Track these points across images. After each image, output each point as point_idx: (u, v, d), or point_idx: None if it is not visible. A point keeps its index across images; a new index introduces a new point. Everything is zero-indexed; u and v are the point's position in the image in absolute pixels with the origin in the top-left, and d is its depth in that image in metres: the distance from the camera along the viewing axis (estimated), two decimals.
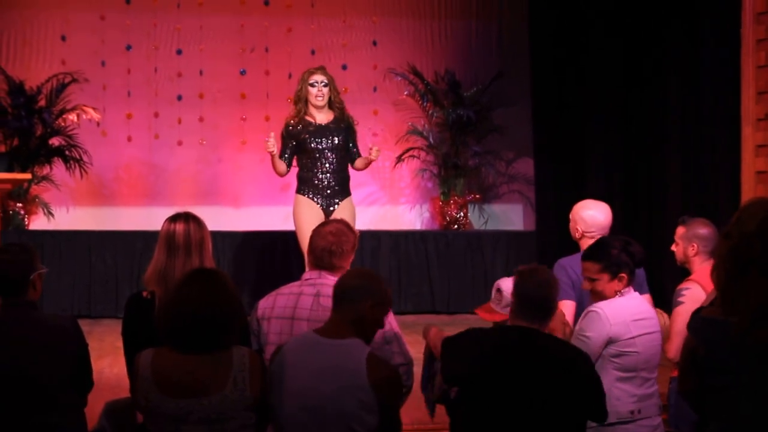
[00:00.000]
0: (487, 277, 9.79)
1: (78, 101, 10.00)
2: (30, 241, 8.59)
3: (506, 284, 4.36)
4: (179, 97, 10.43)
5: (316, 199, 7.39)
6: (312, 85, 7.40)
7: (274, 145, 7.27)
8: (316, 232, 4.54)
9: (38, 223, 9.95)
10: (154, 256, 4.36)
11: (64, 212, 10.17)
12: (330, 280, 4.39)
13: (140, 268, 9.01)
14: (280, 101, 10.50)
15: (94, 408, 4.40)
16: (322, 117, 7.46)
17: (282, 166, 7.47)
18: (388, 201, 10.82)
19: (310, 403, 3.66)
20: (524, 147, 10.52)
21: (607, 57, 9.58)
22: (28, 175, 8.05)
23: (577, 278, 5.07)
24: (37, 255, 4.23)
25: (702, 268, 5.00)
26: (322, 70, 7.52)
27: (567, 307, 5.06)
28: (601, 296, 4.53)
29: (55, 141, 9.96)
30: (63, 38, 10.27)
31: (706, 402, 3.26)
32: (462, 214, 10.46)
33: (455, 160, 10.45)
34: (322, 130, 7.41)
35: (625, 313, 4.41)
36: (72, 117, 9.95)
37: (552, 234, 9.64)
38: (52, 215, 10.01)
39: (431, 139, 10.54)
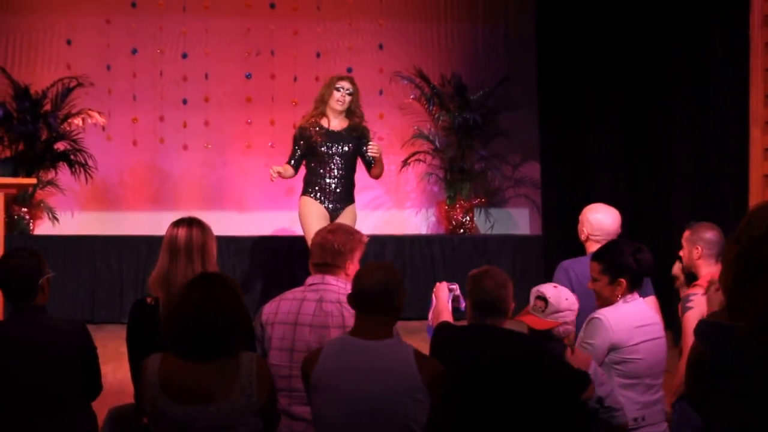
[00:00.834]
0: None
1: (83, 105, 10.00)
2: (35, 245, 8.58)
3: (550, 291, 4.29)
4: (184, 101, 10.43)
5: (322, 202, 7.56)
6: (337, 90, 7.58)
7: (276, 174, 7.50)
8: (317, 233, 4.59)
9: (43, 227, 9.95)
10: (158, 260, 4.35)
11: (69, 217, 10.16)
12: (333, 285, 4.42)
13: (145, 273, 9.00)
14: (285, 105, 10.50)
15: (98, 414, 4.38)
16: (337, 123, 7.61)
17: (289, 170, 7.62)
18: (393, 205, 10.80)
19: (362, 407, 3.67)
20: (530, 151, 10.49)
21: (613, 61, 9.56)
22: (33, 180, 8.04)
23: (577, 281, 5.08)
24: (44, 259, 4.22)
25: (708, 272, 4.98)
26: (350, 79, 7.71)
27: None
28: (603, 300, 4.52)
29: (60, 145, 9.96)
30: (68, 42, 10.27)
31: (712, 407, 3.24)
32: (468, 218, 10.44)
33: (461, 163, 10.43)
34: (333, 136, 7.56)
35: (628, 319, 4.39)
36: (77, 121, 9.95)
37: (558, 238, 9.63)
38: (57, 220, 10.00)
39: (437, 143, 10.51)
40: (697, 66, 8.86)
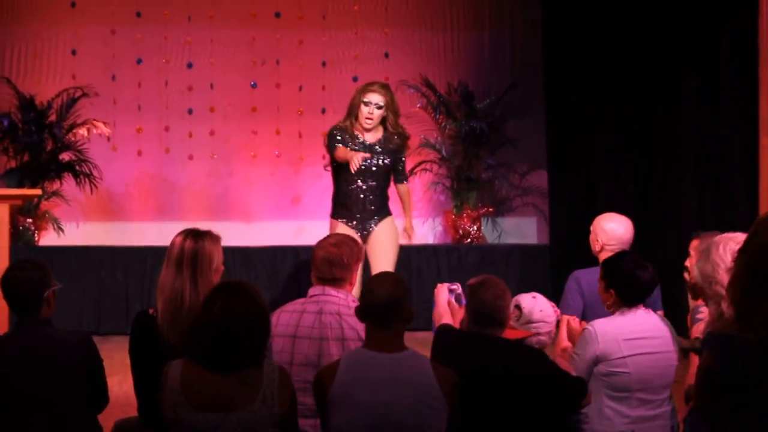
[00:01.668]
0: None
1: (88, 115, 10.00)
2: (40, 257, 8.56)
3: (526, 301, 4.46)
4: (190, 111, 10.42)
5: (350, 223, 6.93)
6: (365, 104, 6.88)
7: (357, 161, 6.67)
8: (318, 245, 4.56)
9: (48, 238, 9.94)
10: None
11: (74, 227, 10.15)
12: (333, 297, 4.43)
13: (151, 284, 8.98)
14: (291, 114, 10.50)
15: (105, 426, 4.36)
16: (370, 135, 6.95)
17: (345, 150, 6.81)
18: (399, 214, 10.75)
19: (384, 420, 3.68)
20: (538, 159, 10.47)
21: (621, 69, 9.54)
22: (38, 191, 8.05)
23: (588, 290, 5.07)
24: (51, 271, 4.20)
25: None
26: (381, 88, 6.96)
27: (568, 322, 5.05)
28: (605, 307, 4.51)
29: (65, 156, 9.95)
30: (73, 52, 10.26)
31: (722, 419, 3.21)
32: (475, 227, 10.41)
33: (468, 172, 10.40)
34: (368, 149, 6.90)
35: (618, 331, 4.34)
36: (82, 131, 9.95)
37: (566, 247, 9.60)
38: (63, 231, 9.99)
39: (444, 152, 10.49)
40: (706, 74, 8.83)
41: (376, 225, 6.96)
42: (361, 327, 4.27)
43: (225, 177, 10.52)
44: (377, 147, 6.90)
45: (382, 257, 6.90)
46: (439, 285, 4.99)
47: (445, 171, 10.55)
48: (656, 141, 9.39)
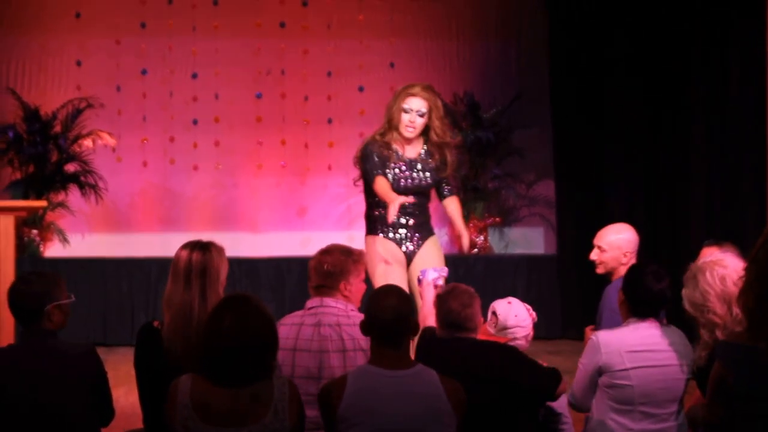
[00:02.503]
0: None
1: (93, 126, 10.00)
2: (45, 268, 8.54)
3: (501, 307, 4.59)
4: (195, 122, 10.41)
5: (393, 238, 6.04)
6: (405, 111, 5.95)
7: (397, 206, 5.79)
8: (314, 255, 4.54)
9: (54, 250, 9.93)
10: None
11: (80, 239, 10.15)
12: (331, 308, 4.41)
13: (156, 296, 8.97)
14: (296, 124, 10.49)
15: None
16: (411, 149, 6.05)
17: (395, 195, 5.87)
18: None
19: None
20: (545, 169, 10.44)
21: (628, 77, 9.53)
22: (43, 202, 8.03)
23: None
24: (59, 285, 4.15)
25: None
26: (423, 91, 5.99)
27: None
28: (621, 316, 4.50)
29: (70, 167, 9.96)
30: (78, 63, 10.27)
31: (735, 431, 3.18)
32: (482, 237, 10.38)
33: (475, 182, 10.37)
34: (410, 166, 6.03)
35: (622, 343, 4.30)
36: (87, 142, 9.95)
37: (574, 257, 9.56)
38: (68, 242, 9.99)
39: None
40: (714, 84, 8.84)
41: (418, 248, 6.08)
42: (361, 338, 4.26)
43: (230, 188, 10.51)
44: (418, 163, 6.04)
45: None
46: (421, 274, 5.18)
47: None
48: (664, 150, 9.38)
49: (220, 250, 4.35)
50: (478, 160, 10.34)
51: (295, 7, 10.54)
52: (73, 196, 9.96)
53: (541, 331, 9.71)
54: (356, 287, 4.50)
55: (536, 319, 4.73)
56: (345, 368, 4.24)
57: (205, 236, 4.55)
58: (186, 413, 3.52)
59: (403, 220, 5.99)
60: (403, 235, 6.03)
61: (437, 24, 10.76)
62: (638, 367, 4.25)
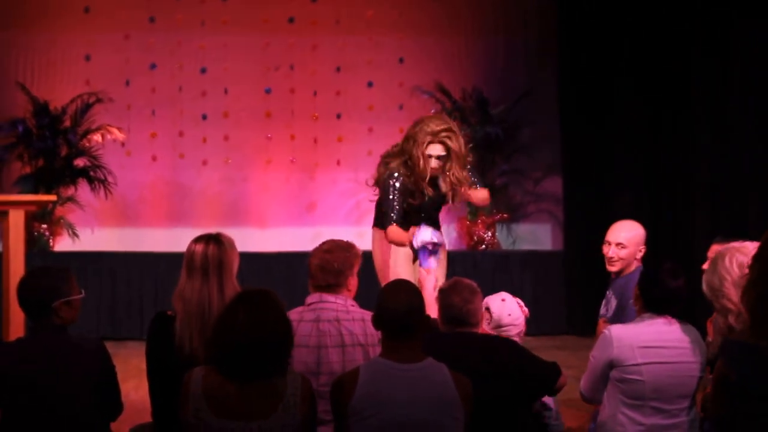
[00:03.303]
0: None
1: (102, 121, 10.01)
2: (54, 262, 8.57)
3: (495, 305, 4.62)
4: (204, 116, 10.42)
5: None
6: (427, 157, 5.90)
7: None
8: (313, 252, 4.55)
9: (63, 244, 9.95)
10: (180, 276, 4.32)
11: (89, 233, 10.15)
12: (331, 303, 4.42)
13: (164, 290, 8.97)
14: (305, 119, 10.49)
15: (119, 431, 4.33)
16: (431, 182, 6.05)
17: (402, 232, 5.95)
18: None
19: (412, 431, 3.69)
20: (552, 165, 10.44)
21: (636, 75, 9.52)
22: (53, 197, 8.06)
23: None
24: (69, 281, 4.15)
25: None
26: (446, 133, 5.90)
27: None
28: (636, 311, 4.51)
29: (79, 162, 9.96)
30: (87, 58, 10.28)
31: (738, 429, 3.18)
32: (490, 233, 10.37)
33: (482, 179, 10.35)
34: (431, 200, 6.07)
35: (634, 338, 4.31)
36: (96, 137, 9.96)
37: (580, 253, 9.57)
38: (77, 236, 10.00)
39: None
40: (717, 84, 8.83)
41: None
42: (360, 333, 4.32)
43: (239, 182, 10.51)
44: (435, 196, 6.06)
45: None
46: (422, 230, 5.41)
47: None
48: (670, 147, 9.37)
49: (231, 241, 4.38)
50: (486, 156, 10.33)
51: (304, 3, 10.55)
52: (82, 190, 9.97)
53: (546, 327, 9.77)
54: (354, 281, 4.52)
55: (528, 315, 4.73)
56: (344, 363, 4.27)
57: (214, 231, 4.54)
58: (198, 405, 3.54)
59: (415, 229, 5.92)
60: (412, 230, 5.92)
61: (446, 20, 10.74)
62: (650, 362, 4.26)
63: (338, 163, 10.50)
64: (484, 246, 10.31)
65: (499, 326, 4.59)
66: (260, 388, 3.54)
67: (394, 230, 5.92)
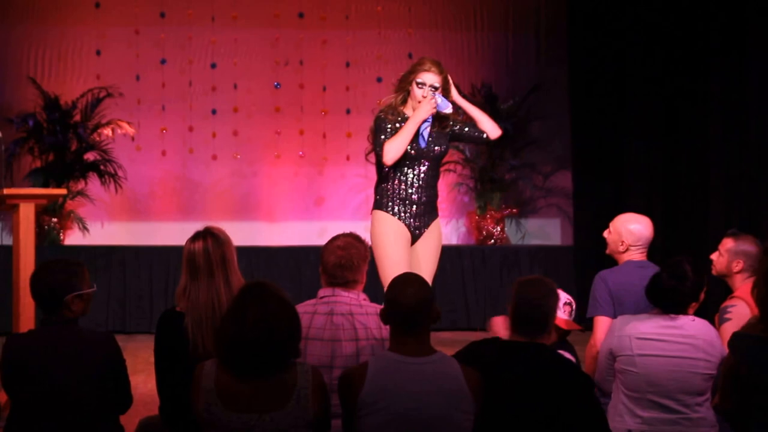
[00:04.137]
0: None
1: (113, 116, 10.03)
2: (65, 256, 8.58)
3: (569, 297, 4.66)
4: (213, 111, 10.44)
5: (402, 217, 5.91)
6: (419, 86, 5.88)
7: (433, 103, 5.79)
8: (326, 248, 4.49)
9: (73, 238, 9.98)
10: (181, 276, 4.31)
11: (99, 227, 10.18)
12: (344, 297, 4.40)
13: (174, 284, 8.97)
14: (314, 114, 10.49)
15: (128, 425, 4.35)
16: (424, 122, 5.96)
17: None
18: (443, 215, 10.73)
19: (418, 424, 3.68)
20: (562, 160, 10.43)
21: (647, 68, 9.48)
22: (63, 191, 8.06)
23: (616, 290, 5.04)
24: (81, 275, 4.18)
25: (745, 285, 4.91)
26: (434, 66, 5.93)
27: (601, 323, 5.03)
28: None
29: (90, 156, 9.99)
30: (98, 53, 10.30)
31: (748, 422, 3.18)
32: (499, 228, 10.37)
33: (492, 173, 10.37)
34: (417, 136, 5.90)
35: (634, 330, 4.32)
36: (107, 131, 9.98)
37: (590, 249, 9.54)
38: (87, 230, 10.03)
39: (467, 153, 10.46)
40: (733, 73, 8.78)
41: (426, 227, 5.99)
42: (374, 327, 4.30)
43: (249, 177, 10.53)
44: (433, 130, 5.93)
45: (426, 266, 6.04)
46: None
47: (468, 172, 10.52)
48: (682, 141, 9.33)
49: (226, 234, 4.36)
50: (495, 151, 10.33)
51: None
52: (92, 184, 10.00)
53: None
54: (365, 275, 4.51)
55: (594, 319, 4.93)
56: (357, 357, 4.26)
57: (222, 225, 4.54)
58: (209, 398, 3.55)
59: (415, 196, 5.88)
60: (412, 213, 5.90)
61: (455, 15, 10.74)
62: (644, 354, 4.27)
63: (347, 158, 10.51)
64: (493, 241, 10.31)
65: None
66: (272, 381, 3.55)
67: (390, 141, 5.79)
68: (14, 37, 10.18)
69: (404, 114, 5.90)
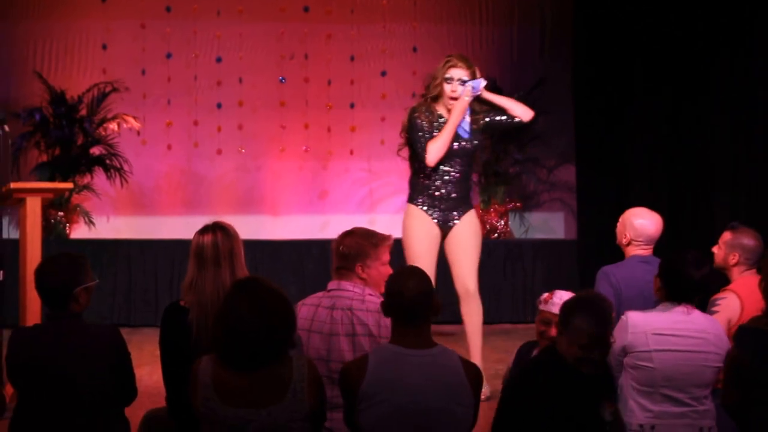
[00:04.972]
0: (527, 287, 9.72)
1: (118, 110, 10.05)
2: (71, 250, 8.61)
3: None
4: (219, 105, 10.45)
5: (431, 213, 6.25)
6: (447, 81, 6.18)
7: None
8: (337, 238, 4.55)
9: (79, 231, 10.01)
10: (188, 268, 4.34)
11: (105, 221, 10.21)
12: (348, 291, 4.41)
13: (179, 277, 8.99)
14: (319, 109, 10.51)
15: (133, 417, 4.38)
16: None
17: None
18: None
19: (418, 417, 3.70)
20: (566, 154, 10.43)
21: (652, 64, 9.46)
22: (69, 185, 8.10)
23: (618, 286, 5.05)
24: (86, 268, 4.20)
25: (742, 278, 4.93)
26: (461, 61, 6.24)
27: None
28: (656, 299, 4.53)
29: (95, 150, 10.01)
30: (104, 47, 10.31)
31: (750, 416, 3.19)
32: (502, 222, 10.38)
33: (496, 167, 10.37)
34: (462, 145, 6.26)
35: (649, 325, 4.33)
36: (112, 126, 9.99)
37: (594, 243, 9.55)
38: (93, 224, 10.06)
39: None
40: (739, 72, 8.76)
41: (458, 219, 6.30)
42: (372, 323, 4.30)
43: (253, 171, 10.55)
44: (464, 126, 6.23)
45: (466, 256, 6.34)
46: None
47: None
48: (687, 136, 9.30)
49: (234, 229, 4.38)
50: (499, 145, 10.32)
51: None
52: (98, 178, 10.02)
53: None
54: (375, 270, 4.45)
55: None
56: (353, 353, 4.26)
57: (227, 219, 4.57)
58: (207, 394, 3.57)
59: (444, 191, 6.22)
60: (443, 209, 6.25)
61: (460, 9, 10.75)
62: (662, 350, 4.28)
63: (351, 152, 10.53)
64: (496, 234, 10.32)
65: None
66: (268, 375, 3.57)
67: (432, 142, 6.13)
68: (20, 31, 10.20)
69: (437, 112, 6.22)
